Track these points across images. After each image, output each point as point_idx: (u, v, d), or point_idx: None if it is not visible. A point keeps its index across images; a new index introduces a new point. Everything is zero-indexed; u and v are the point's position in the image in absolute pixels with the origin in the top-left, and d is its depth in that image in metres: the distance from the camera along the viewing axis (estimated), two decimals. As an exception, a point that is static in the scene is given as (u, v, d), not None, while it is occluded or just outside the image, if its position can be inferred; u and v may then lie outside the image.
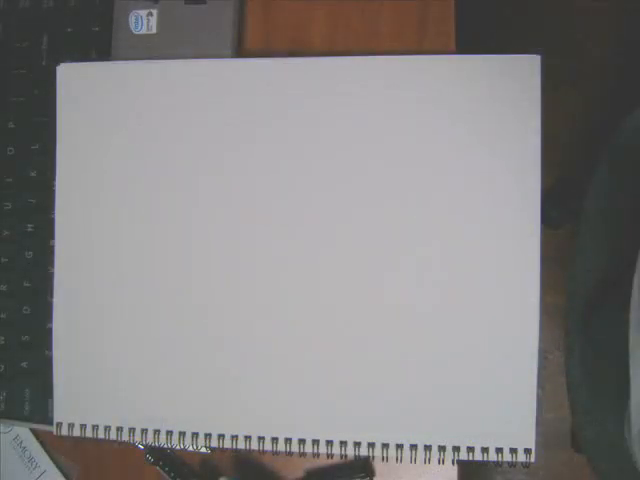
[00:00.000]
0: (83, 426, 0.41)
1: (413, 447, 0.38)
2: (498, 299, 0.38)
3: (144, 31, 0.43)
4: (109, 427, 0.41)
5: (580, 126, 0.92)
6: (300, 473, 0.42)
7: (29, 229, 0.44)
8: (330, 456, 0.39)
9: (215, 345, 0.40)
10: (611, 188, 0.55)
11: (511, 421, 0.38)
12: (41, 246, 0.43)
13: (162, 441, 0.40)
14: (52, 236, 0.43)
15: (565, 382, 0.55)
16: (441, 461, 0.38)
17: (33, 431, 0.45)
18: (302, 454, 0.39)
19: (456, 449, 0.38)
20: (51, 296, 0.42)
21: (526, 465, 0.38)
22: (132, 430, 0.41)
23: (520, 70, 0.38)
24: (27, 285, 0.43)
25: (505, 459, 0.38)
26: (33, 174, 0.44)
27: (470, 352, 0.38)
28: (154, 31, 0.43)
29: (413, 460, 0.38)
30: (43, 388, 0.43)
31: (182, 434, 0.40)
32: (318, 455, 0.39)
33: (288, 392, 0.40)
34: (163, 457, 0.42)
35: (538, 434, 0.38)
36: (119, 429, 0.41)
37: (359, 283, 0.39)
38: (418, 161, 0.39)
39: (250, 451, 0.40)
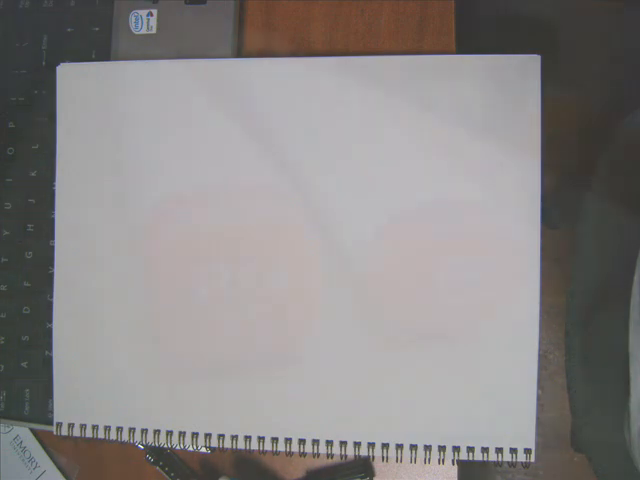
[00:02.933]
0: (83, 426, 0.41)
1: (413, 447, 0.38)
2: (498, 299, 0.38)
3: (144, 31, 0.43)
4: (109, 427, 0.41)
5: (580, 126, 0.92)
6: (300, 473, 0.42)
7: (29, 229, 0.44)
8: (330, 456, 0.39)
9: (215, 345, 0.40)
10: (611, 188, 0.55)
11: (511, 421, 0.38)
12: (41, 246, 0.43)
13: (162, 441, 0.40)
14: (52, 236, 0.43)
15: (565, 382, 0.55)
16: (441, 461, 0.38)
17: (33, 431, 0.45)
18: (302, 454, 0.39)
19: (456, 449, 0.38)
20: (51, 296, 0.42)
21: (526, 465, 0.38)
22: (132, 430, 0.41)
23: (520, 70, 0.38)
24: (27, 285, 0.43)
25: (505, 459, 0.38)
26: (33, 174, 0.44)
27: (470, 352, 0.38)
28: (154, 31, 0.43)
29: (413, 460, 0.38)
30: (43, 388, 0.43)
31: (182, 434, 0.40)
32: (318, 455, 0.39)
33: (288, 392, 0.40)
34: (163, 457, 0.42)
35: (538, 434, 0.38)
36: (119, 429, 0.41)
37: (359, 284, 0.39)
38: (418, 161, 0.39)
39: (250, 451, 0.40)
